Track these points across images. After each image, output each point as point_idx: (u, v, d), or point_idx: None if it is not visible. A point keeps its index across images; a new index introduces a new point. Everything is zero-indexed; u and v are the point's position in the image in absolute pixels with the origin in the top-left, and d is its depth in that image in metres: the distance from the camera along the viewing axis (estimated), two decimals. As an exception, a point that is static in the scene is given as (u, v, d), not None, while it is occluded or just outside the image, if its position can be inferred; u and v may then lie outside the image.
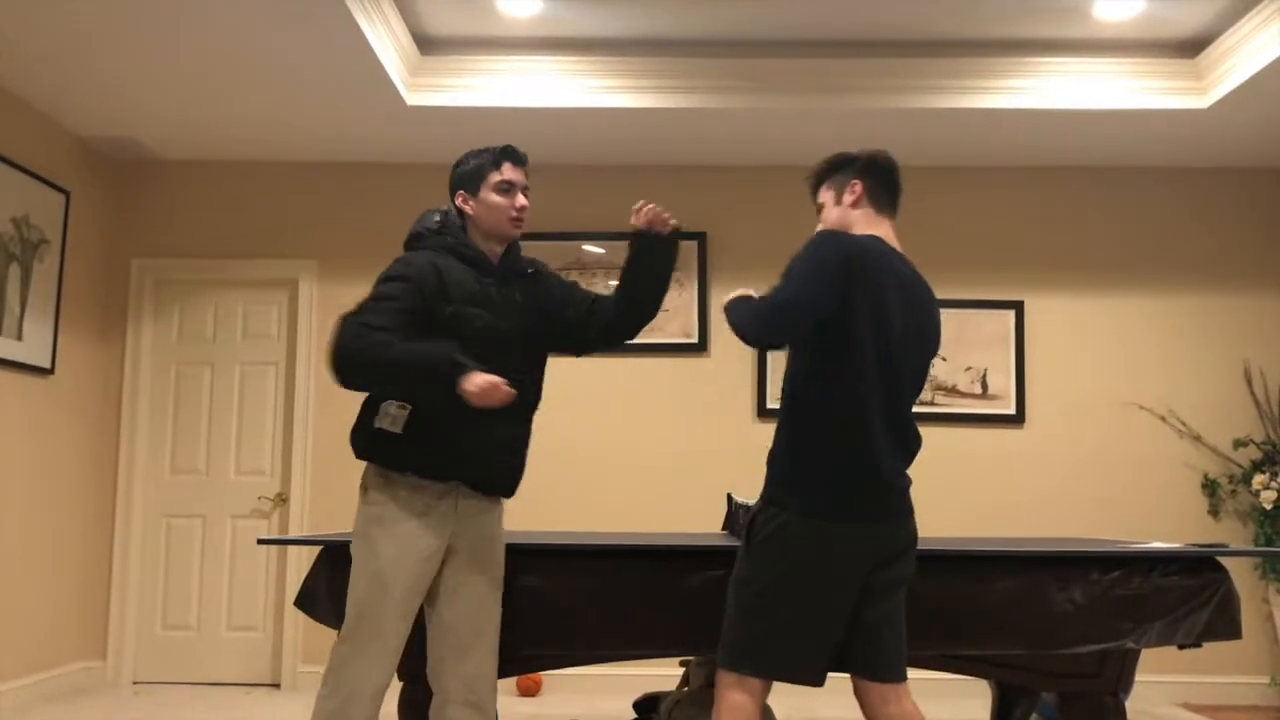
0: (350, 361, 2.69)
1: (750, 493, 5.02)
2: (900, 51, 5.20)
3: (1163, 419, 6.01)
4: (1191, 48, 5.16)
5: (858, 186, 2.82)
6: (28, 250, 5.33)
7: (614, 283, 3.08)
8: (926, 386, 6.00)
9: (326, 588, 3.14)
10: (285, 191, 6.25)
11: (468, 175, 3.01)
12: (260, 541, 3.24)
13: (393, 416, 2.81)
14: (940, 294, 6.09)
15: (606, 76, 5.25)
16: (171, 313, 6.23)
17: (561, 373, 6.02)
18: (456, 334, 2.79)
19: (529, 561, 3.13)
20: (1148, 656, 5.78)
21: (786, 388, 2.75)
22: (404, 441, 2.80)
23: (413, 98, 5.29)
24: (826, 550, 2.64)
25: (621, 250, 6.14)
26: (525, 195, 3.02)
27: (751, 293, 2.79)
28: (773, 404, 5.93)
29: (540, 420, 6.08)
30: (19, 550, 5.32)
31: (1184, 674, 5.83)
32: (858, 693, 2.87)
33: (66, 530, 5.74)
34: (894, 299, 2.66)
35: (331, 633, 5.85)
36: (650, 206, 2.96)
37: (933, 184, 6.19)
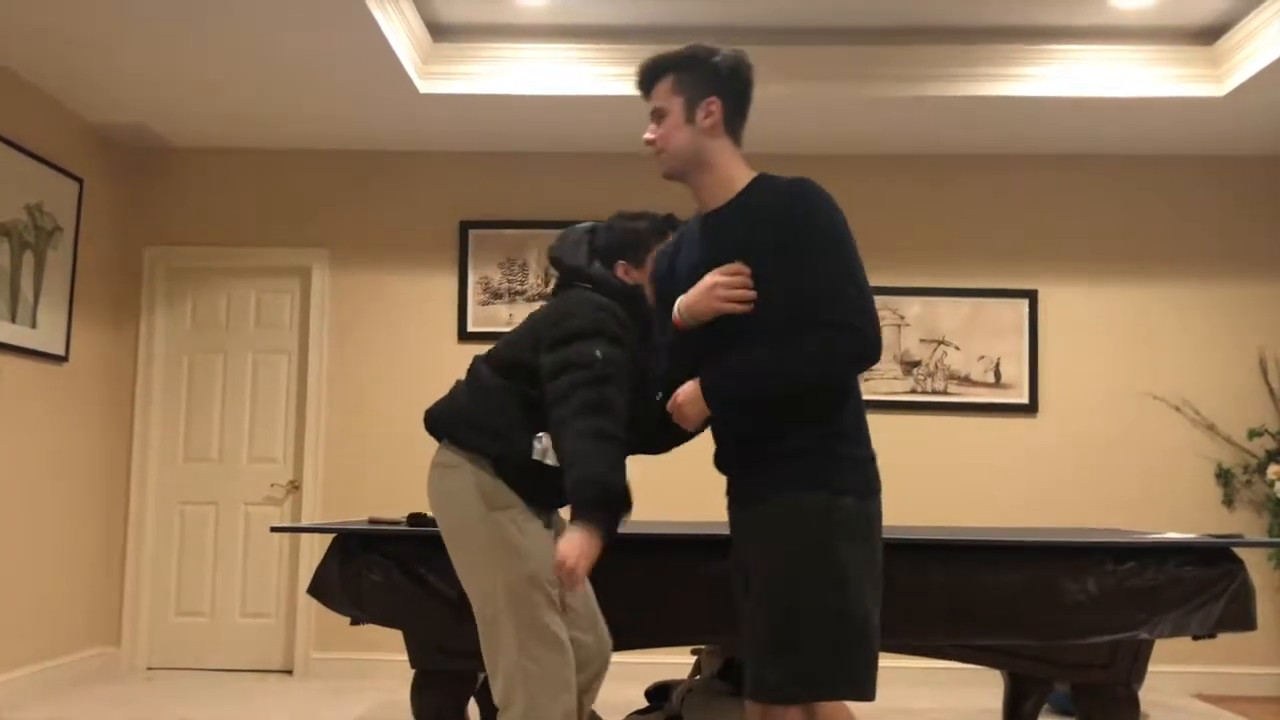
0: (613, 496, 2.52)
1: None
2: (913, 39, 5.18)
3: (1177, 409, 5.99)
4: (1208, 35, 5.12)
5: (715, 106, 2.38)
6: (41, 238, 5.35)
7: None
8: (939, 375, 5.99)
9: (339, 575, 3.14)
10: (298, 179, 6.25)
11: (630, 244, 2.81)
12: (274, 529, 3.25)
13: (547, 449, 2.70)
14: (954, 282, 6.07)
15: (619, 64, 5.23)
16: (184, 301, 6.24)
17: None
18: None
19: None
20: (1161, 646, 5.75)
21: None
22: (548, 476, 2.70)
23: (425, 85, 5.28)
24: (877, 529, 2.39)
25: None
26: None
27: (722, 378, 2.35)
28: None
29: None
30: (34, 537, 5.34)
31: (1197, 664, 5.81)
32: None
33: (81, 517, 5.77)
34: None
35: (343, 620, 5.87)
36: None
37: (947, 172, 6.16)
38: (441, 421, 2.85)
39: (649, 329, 2.71)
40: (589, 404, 2.56)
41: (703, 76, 2.38)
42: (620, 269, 2.80)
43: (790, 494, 2.31)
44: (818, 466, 2.30)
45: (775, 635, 2.27)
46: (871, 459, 2.39)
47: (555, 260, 2.90)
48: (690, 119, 2.38)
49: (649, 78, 2.44)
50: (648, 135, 2.45)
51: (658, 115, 2.42)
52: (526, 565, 2.71)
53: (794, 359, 2.26)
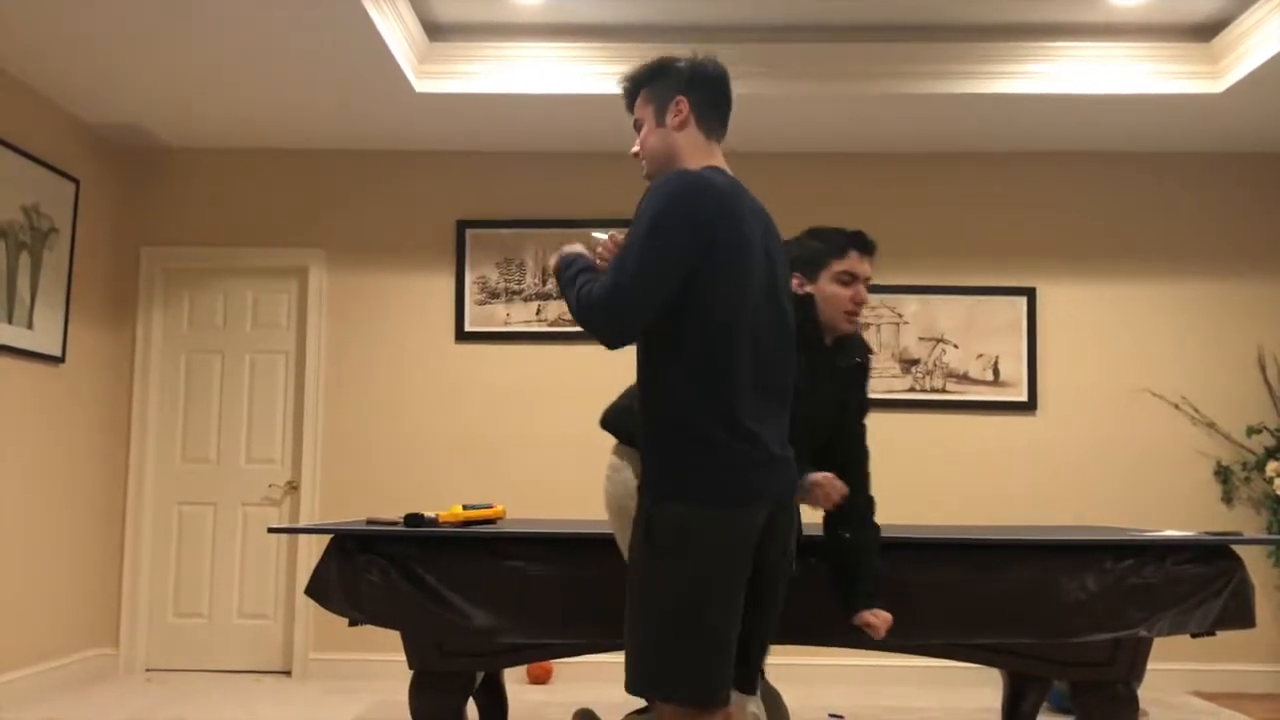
0: None
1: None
2: (911, 36, 5.17)
3: (1175, 406, 5.99)
4: (1206, 32, 5.12)
5: (683, 104, 2.47)
6: (38, 239, 5.34)
7: None
8: (938, 373, 5.99)
9: (337, 576, 3.14)
10: (294, 179, 6.24)
11: (808, 258, 2.82)
12: (271, 530, 3.24)
13: None
14: (952, 280, 6.07)
15: (615, 63, 5.23)
16: (181, 301, 6.24)
17: (579, 361, 6.02)
18: None
19: (540, 551, 3.13)
20: (1160, 644, 5.76)
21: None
22: None
23: (421, 85, 5.28)
24: (723, 540, 2.34)
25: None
26: (866, 287, 2.82)
27: (580, 250, 2.48)
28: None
29: (558, 409, 6.08)
30: (32, 538, 5.34)
31: (1196, 662, 5.81)
32: None
33: (78, 518, 5.76)
34: (755, 246, 2.37)
35: (341, 620, 5.87)
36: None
37: (945, 170, 6.16)
38: (607, 419, 2.93)
39: (815, 340, 2.81)
40: None
41: (668, 82, 2.51)
42: (795, 281, 2.81)
43: (643, 493, 2.39)
44: (658, 468, 2.34)
45: (625, 629, 2.38)
46: (739, 465, 2.31)
47: None
48: (661, 121, 2.50)
49: (629, 98, 2.59)
50: (634, 148, 2.57)
51: (638, 127, 2.57)
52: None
53: (572, 291, 2.37)
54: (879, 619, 2.87)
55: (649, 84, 2.53)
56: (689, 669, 2.29)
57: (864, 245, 2.82)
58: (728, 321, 2.32)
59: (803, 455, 2.77)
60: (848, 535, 2.93)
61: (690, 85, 2.49)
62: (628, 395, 2.95)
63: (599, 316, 2.29)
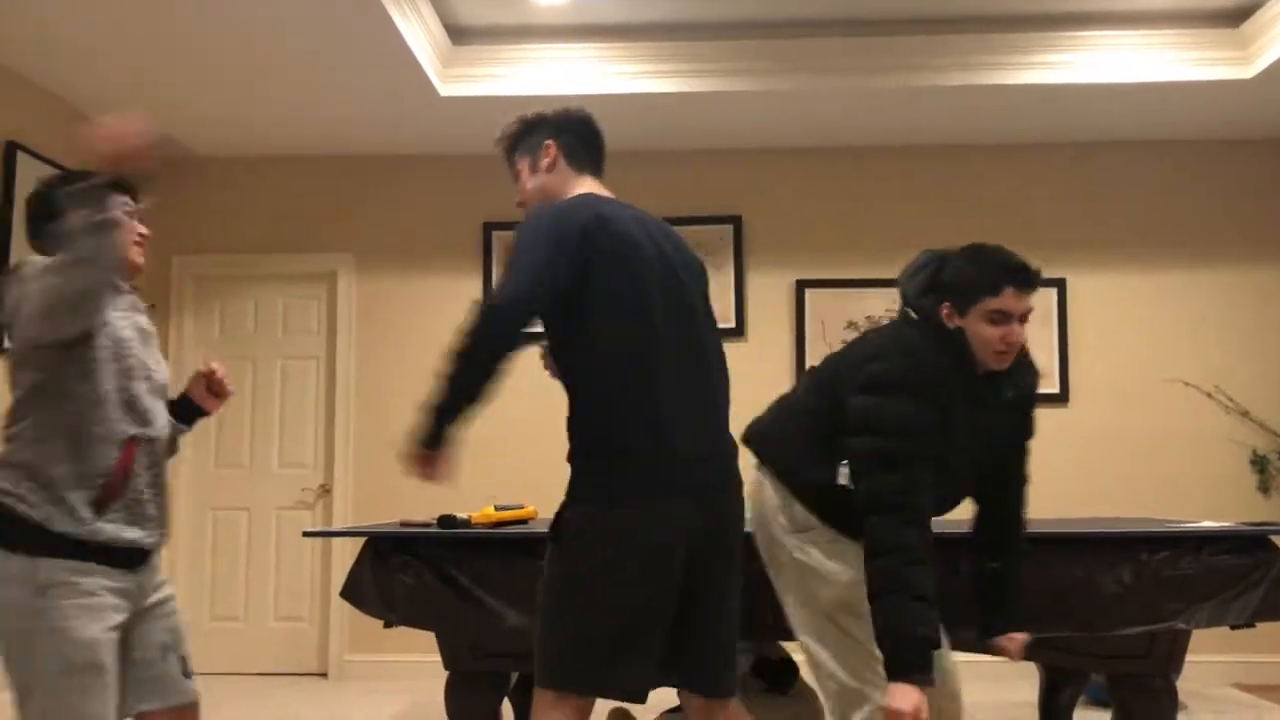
0: (884, 581, 2.41)
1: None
2: (937, 28, 5.15)
3: (1209, 395, 5.93)
4: (1234, 17, 5.07)
5: (552, 148, 2.62)
6: (71, 249, 5.39)
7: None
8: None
9: (372, 578, 3.16)
10: (321, 185, 6.28)
11: (959, 287, 2.55)
12: (306, 534, 3.27)
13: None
14: (980, 273, 6.03)
15: (638, 62, 5.23)
16: (212, 308, 6.29)
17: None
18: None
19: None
20: (1199, 635, 5.70)
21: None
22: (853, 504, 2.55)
23: (446, 88, 5.30)
24: (620, 540, 2.37)
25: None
26: (1023, 323, 2.54)
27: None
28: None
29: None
30: (69, 545, 5.39)
31: (1236, 653, 5.75)
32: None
33: (115, 525, 5.81)
34: (642, 240, 2.44)
35: (377, 622, 5.91)
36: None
37: (972, 161, 6.12)
38: (748, 436, 2.83)
39: (969, 372, 2.59)
40: (890, 503, 2.45)
41: (537, 134, 2.66)
42: (944, 310, 2.58)
43: (566, 497, 2.45)
44: (573, 473, 2.43)
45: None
46: (630, 468, 2.35)
47: (899, 280, 2.79)
48: (535, 168, 2.65)
49: (508, 156, 2.72)
50: (517, 198, 2.70)
51: (517, 177, 2.70)
52: (832, 590, 2.61)
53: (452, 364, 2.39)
54: (1014, 642, 2.81)
55: (523, 139, 2.67)
56: (583, 662, 2.35)
57: (1022, 281, 2.52)
58: (625, 328, 2.37)
59: (953, 490, 2.66)
60: (996, 565, 2.81)
61: (559, 131, 2.64)
62: (772, 411, 2.83)
63: (486, 312, 2.30)
